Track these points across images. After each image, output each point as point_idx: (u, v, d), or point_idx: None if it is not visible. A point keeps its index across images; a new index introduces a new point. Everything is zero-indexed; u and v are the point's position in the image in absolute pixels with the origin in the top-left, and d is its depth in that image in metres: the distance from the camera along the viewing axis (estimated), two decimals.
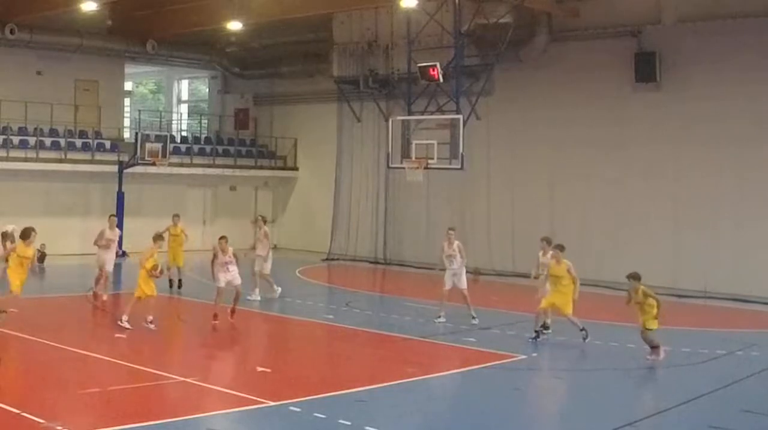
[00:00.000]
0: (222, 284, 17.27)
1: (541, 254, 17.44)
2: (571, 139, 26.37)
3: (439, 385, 13.48)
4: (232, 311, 17.35)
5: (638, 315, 14.92)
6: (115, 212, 21.48)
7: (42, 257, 27.08)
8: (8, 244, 26.86)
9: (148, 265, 16.25)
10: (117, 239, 20.33)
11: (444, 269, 18.27)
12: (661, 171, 24.78)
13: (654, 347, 14.95)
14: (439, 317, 18.22)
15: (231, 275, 17.36)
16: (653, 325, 14.86)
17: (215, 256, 17.39)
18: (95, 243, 19.86)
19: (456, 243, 18.18)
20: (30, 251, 15.76)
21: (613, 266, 24.74)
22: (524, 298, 19.48)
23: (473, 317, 17.75)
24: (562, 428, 11.57)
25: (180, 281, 21.64)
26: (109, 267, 19.82)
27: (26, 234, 15.77)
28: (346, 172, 32.23)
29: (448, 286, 18.11)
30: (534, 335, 16.43)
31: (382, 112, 29.09)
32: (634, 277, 14.98)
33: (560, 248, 16.42)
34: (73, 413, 10.93)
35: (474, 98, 25.26)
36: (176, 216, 22.14)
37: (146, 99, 45.49)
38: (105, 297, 19.56)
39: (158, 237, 17.26)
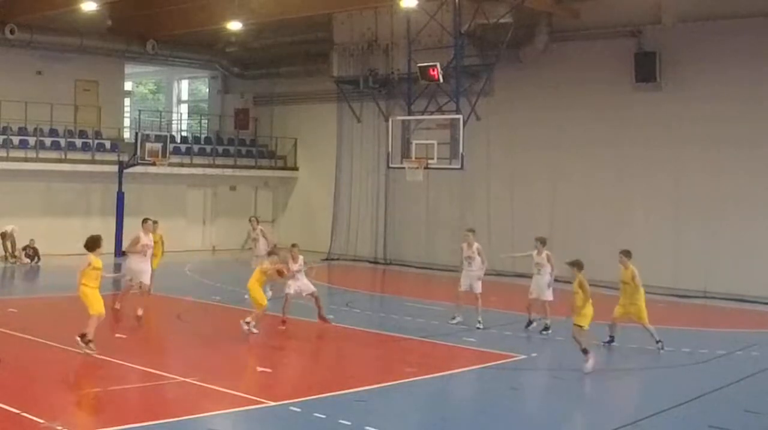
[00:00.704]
0: (291, 292, 17.14)
1: (535, 253, 17.47)
2: (571, 139, 26.38)
3: (438, 385, 13.46)
4: (323, 318, 17.36)
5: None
6: (152, 217, 19.04)
7: (34, 253, 27.12)
8: (8, 244, 27.13)
9: (265, 274, 16.20)
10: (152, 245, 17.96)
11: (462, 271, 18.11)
12: (661, 171, 24.78)
13: (583, 351, 13.91)
14: (455, 318, 18.11)
15: (300, 283, 17.28)
16: (580, 320, 14.00)
17: (286, 263, 17.08)
18: (127, 250, 18.19)
19: (475, 245, 17.95)
20: (101, 262, 14.33)
21: (612, 266, 24.60)
22: (524, 298, 19.46)
23: (479, 322, 17.61)
24: (562, 429, 11.56)
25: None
26: (146, 278, 17.58)
27: (98, 243, 14.20)
28: (346, 172, 32.24)
29: (464, 287, 17.94)
30: (607, 339, 16.12)
31: (382, 112, 29.08)
32: (573, 264, 14.35)
33: (626, 253, 16.12)
34: (73, 413, 10.94)
35: (474, 98, 25.24)
36: (155, 222, 20.59)
37: (146, 99, 45.49)
38: (118, 306, 17.48)
39: (273, 252, 16.81)
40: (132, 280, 17.37)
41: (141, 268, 17.44)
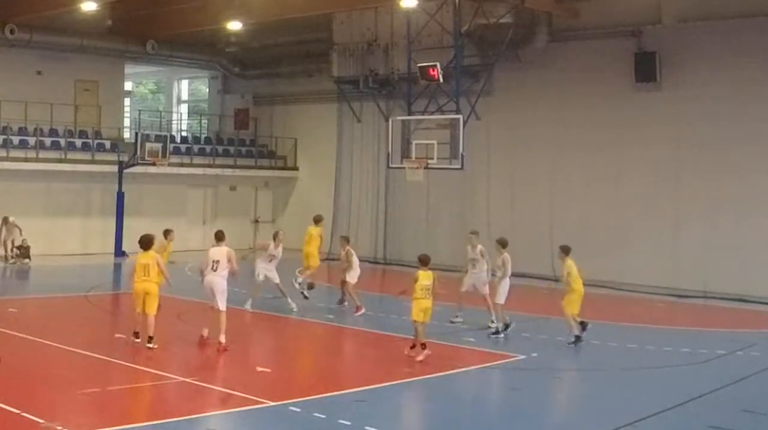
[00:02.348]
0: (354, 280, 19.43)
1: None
2: (571, 139, 26.38)
3: (438, 385, 13.46)
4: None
5: None
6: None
7: (26, 251, 27.03)
8: (4, 231, 26.99)
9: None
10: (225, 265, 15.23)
11: (466, 272, 18.19)
12: (661, 171, 24.79)
13: (419, 345, 14.41)
14: (457, 317, 18.15)
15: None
16: (413, 314, 14.43)
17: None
18: (230, 272, 15.35)
19: (479, 247, 18.08)
20: (147, 259, 14.52)
21: (613, 265, 24.80)
22: (523, 298, 19.51)
23: (492, 322, 17.47)
24: (561, 429, 11.56)
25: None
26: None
27: (151, 242, 14.73)
28: (346, 172, 32.24)
29: (465, 287, 18.02)
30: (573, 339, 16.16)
31: (382, 112, 29.09)
32: (420, 260, 14.73)
33: (562, 248, 16.42)
34: (73, 413, 10.93)
35: (474, 98, 25.26)
36: (171, 231, 19.52)
37: (146, 99, 45.51)
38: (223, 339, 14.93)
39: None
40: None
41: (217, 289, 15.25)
